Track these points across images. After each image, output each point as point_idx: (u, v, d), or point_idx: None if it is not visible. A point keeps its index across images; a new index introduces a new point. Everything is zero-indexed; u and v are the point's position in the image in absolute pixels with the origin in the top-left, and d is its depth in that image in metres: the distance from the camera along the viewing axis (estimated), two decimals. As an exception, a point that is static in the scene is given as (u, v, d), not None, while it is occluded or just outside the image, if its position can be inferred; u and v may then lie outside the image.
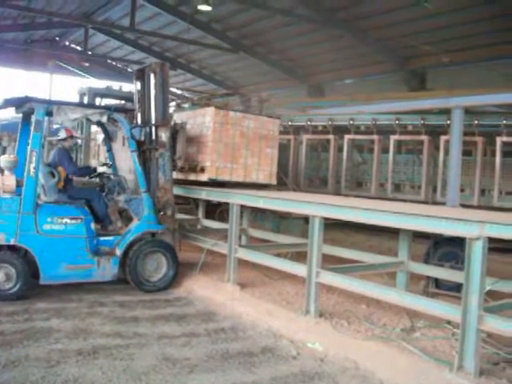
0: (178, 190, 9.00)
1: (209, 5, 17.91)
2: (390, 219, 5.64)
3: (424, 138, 10.73)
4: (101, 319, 6.21)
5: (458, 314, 4.83)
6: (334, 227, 9.63)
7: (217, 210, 11.11)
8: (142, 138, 7.80)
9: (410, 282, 7.25)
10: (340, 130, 12.40)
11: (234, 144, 8.79)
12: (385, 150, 11.45)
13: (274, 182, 9.31)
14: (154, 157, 7.88)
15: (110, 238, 7.61)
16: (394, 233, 7.82)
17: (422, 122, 10.66)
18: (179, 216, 9.86)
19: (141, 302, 7.02)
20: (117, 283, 7.63)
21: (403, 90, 17.22)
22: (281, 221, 10.03)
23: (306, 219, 8.92)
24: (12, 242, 6.80)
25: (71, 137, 8.18)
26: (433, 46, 16.42)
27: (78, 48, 28.11)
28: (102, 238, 7.55)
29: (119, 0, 20.88)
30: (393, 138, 11.17)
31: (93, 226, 7.44)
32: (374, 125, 11.46)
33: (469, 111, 9.25)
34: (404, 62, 18.77)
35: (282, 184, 11.69)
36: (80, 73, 22.40)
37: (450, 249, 7.32)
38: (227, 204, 8.00)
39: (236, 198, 7.64)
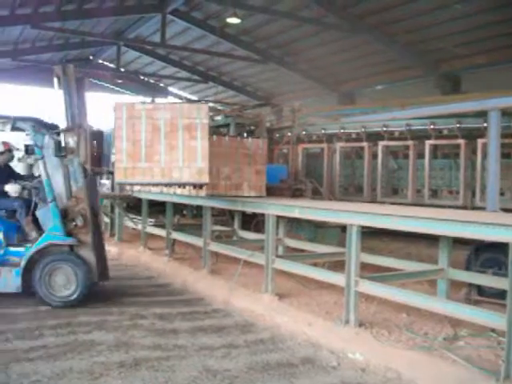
0: (212, 202, 9.06)
1: (238, 17, 18.05)
2: (428, 226, 5.55)
3: (460, 141, 10.54)
4: (142, 332, 6.26)
5: (502, 322, 4.72)
6: (371, 235, 9.53)
7: (252, 221, 11.11)
8: (44, 145, 7.45)
9: (451, 290, 7.10)
10: (374, 137, 12.29)
11: (145, 140, 7.67)
12: (420, 156, 11.29)
13: (205, 180, 7.84)
14: (64, 164, 7.49)
15: (22, 248, 7.47)
16: (432, 239, 7.70)
17: (458, 125, 10.48)
18: (215, 227, 9.89)
19: (180, 314, 7.05)
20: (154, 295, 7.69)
21: (436, 94, 17.00)
22: (317, 230, 9.95)
23: (342, 228, 8.87)
24: None
25: (9, 150, 8.11)
26: (465, 48, 16.19)
27: (111, 65, 28.60)
28: (12, 249, 7.51)
29: (149, 17, 21.21)
30: (428, 142, 11.00)
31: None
32: (408, 130, 11.32)
33: (506, 113, 9.06)
34: (435, 66, 18.54)
35: (316, 193, 11.64)
36: (115, 89, 22.74)
37: (491, 255, 7.15)
38: (263, 215, 7.99)
39: (271, 209, 7.62)
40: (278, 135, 14.48)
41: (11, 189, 7.78)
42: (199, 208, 11.15)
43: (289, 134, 13.14)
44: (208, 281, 8.70)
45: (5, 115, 7.80)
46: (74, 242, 7.43)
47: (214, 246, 9.06)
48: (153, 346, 5.79)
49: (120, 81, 28.09)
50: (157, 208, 11.90)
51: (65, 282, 7.34)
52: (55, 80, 7.75)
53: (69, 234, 7.46)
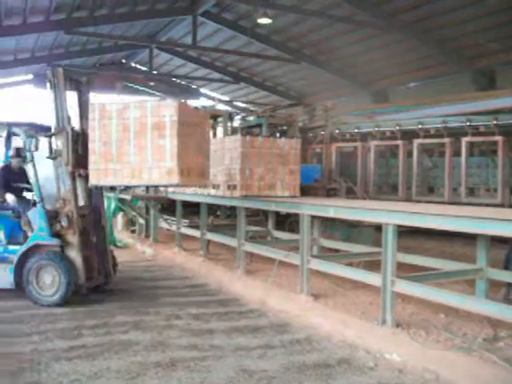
0: (246, 203, 9.07)
1: (268, 17, 18.05)
2: (465, 224, 5.46)
3: (498, 138, 10.36)
4: (177, 332, 6.30)
5: (544, 322, 4.61)
6: (405, 234, 9.43)
7: (286, 221, 11.09)
8: (35, 148, 7.63)
9: (489, 290, 6.96)
10: (409, 135, 12.15)
11: (116, 141, 7.38)
12: (456, 153, 11.12)
13: (175, 180, 7.29)
14: (54, 166, 7.69)
15: (18, 247, 7.72)
16: (467, 238, 7.57)
17: (495, 122, 10.29)
18: (249, 228, 9.90)
19: (215, 314, 7.08)
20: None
21: (471, 91, 16.72)
22: (351, 229, 9.90)
23: (377, 227, 8.79)
24: None
25: (18, 156, 8.27)
26: (500, 43, 15.87)
27: (144, 68, 28.89)
28: (11, 247, 7.80)
29: (181, 19, 21.37)
30: (464, 140, 10.83)
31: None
32: (444, 127, 11.15)
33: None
34: (470, 62, 18.21)
35: (350, 192, 11.57)
36: (147, 91, 22.90)
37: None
38: (297, 215, 7.97)
39: (306, 209, 7.60)
40: (311, 135, 14.43)
41: (8, 197, 8.13)
42: (233, 209, 11.19)
43: (322, 133, 13.07)
44: (243, 281, 8.72)
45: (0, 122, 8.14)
46: (58, 242, 7.60)
47: (249, 247, 9.08)
48: (189, 346, 5.82)
49: (152, 83, 28.37)
50: (191, 209, 11.97)
51: (50, 282, 7.51)
52: (47, 83, 7.74)
53: (56, 234, 7.64)
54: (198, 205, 10.91)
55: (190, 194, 11.01)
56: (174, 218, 12.16)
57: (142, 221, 13.71)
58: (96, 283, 8.06)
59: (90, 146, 7.46)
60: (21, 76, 27.99)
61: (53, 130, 7.63)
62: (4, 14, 17.66)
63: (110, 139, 7.36)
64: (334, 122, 13.10)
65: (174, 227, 12.12)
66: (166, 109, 7.24)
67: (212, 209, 11.57)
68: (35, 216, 7.75)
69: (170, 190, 11.79)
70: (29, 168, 7.89)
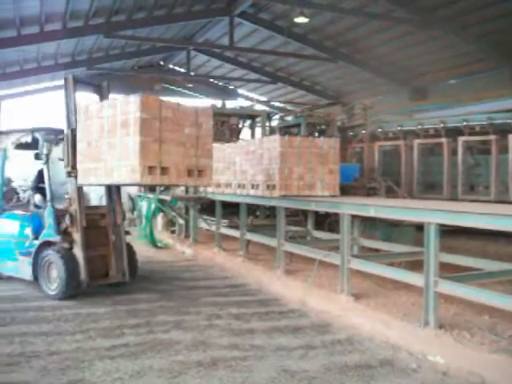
0: (285, 203, 9.05)
1: (305, 16, 17.99)
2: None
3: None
4: (218, 331, 6.33)
5: None
6: (446, 234, 9.24)
7: (325, 221, 11.03)
8: (47, 151, 8.23)
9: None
10: (453, 132, 11.91)
11: (96, 140, 7.52)
12: (503, 151, 10.85)
13: (136, 179, 7.14)
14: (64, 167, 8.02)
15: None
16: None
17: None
18: (288, 228, 9.87)
19: (256, 314, 7.08)
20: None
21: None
22: (391, 229, 9.77)
23: (417, 227, 8.66)
24: None
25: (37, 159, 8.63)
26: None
27: (182, 70, 29.14)
28: (35, 242, 8.33)
29: (218, 20, 21.48)
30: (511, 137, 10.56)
31: (27, 231, 8.45)
32: (489, 124, 10.89)
33: None
34: (510, 57, 17.81)
35: (390, 191, 11.43)
36: (187, 93, 23.20)
37: None
38: (336, 214, 7.91)
39: (346, 208, 7.53)
40: (351, 133, 14.30)
41: (36, 198, 8.85)
42: (272, 209, 11.18)
43: (363, 131, 12.95)
44: (283, 281, 8.70)
45: (24, 128, 8.77)
46: (59, 239, 8.01)
47: (289, 247, 9.06)
48: (230, 345, 5.84)
49: (191, 85, 28.64)
50: (230, 209, 12.00)
51: (55, 276, 7.99)
52: (64, 92, 8.18)
53: (65, 232, 8.07)
54: (237, 205, 10.93)
55: (230, 194, 11.06)
56: (213, 219, 12.22)
57: (181, 221, 13.82)
58: (112, 281, 8.41)
59: (78, 146, 7.73)
60: (61, 80, 28.66)
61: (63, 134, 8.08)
62: (44, 19, 18.05)
63: (91, 139, 7.57)
64: (373, 120, 12.98)
65: (213, 227, 12.18)
66: (131, 105, 7.18)
67: (251, 209, 11.57)
68: (47, 214, 8.28)
69: (210, 190, 11.87)
70: (44, 170, 8.43)
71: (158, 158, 7.21)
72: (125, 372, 5.04)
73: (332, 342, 6.00)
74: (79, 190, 8.06)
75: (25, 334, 6.14)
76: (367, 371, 5.14)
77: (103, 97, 8.56)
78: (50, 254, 8.04)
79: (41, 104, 30.42)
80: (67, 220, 8.01)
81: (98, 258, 8.42)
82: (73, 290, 7.92)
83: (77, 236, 7.99)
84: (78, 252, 7.95)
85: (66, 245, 7.99)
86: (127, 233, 9.08)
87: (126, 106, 7.23)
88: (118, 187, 8.51)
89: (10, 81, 25.90)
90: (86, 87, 9.07)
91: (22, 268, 8.45)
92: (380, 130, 13.38)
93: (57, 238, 8.05)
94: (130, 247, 8.81)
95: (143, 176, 7.07)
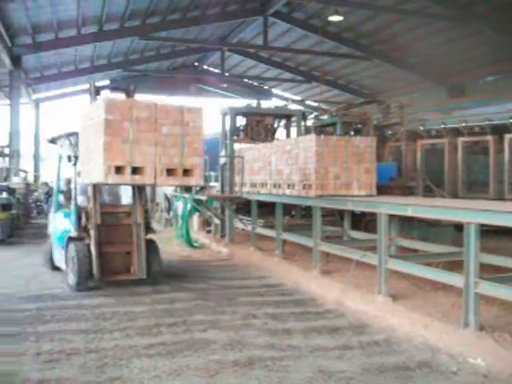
0: (321, 202, 9.00)
1: (339, 15, 17.89)
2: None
3: None
4: (255, 331, 6.32)
5: None
6: (487, 234, 9.07)
7: (361, 221, 10.93)
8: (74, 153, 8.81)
9: None
10: (499, 130, 11.59)
11: (89, 142, 7.94)
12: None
13: (101, 179, 7.43)
14: None
15: None
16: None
17: None
18: (324, 228, 9.80)
19: (292, 314, 7.05)
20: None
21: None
22: (429, 229, 9.63)
23: (456, 227, 8.51)
24: None
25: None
26: None
27: (216, 70, 29.30)
28: None
29: (251, 20, 21.54)
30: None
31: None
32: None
33: None
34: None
35: (428, 191, 11.26)
36: (220, 93, 23.31)
37: None
38: (372, 214, 7.83)
39: (383, 208, 7.44)
40: (390, 132, 14.11)
41: (60, 197, 9.81)
42: (308, 208, 11.13)
43: (402, 129, 12.75)
44: (319, 281, 8.66)
45: (61, 134, 9.34)
46: (74, 234, 8.61)
47: (325, 247, 9.00)
48: (266, 345, 5.82)
49: (225, 85, 28.78)
50: (266, 209, 12.00)
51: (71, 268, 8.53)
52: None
53: (84, 228, 8.62)
54: (272, 205, 10.92)
55: (265, 194, 11.06)
56: (249, 218, 12.23)
57: (217, 221, 13.88)
58: (128, 277, 8.67)
59: (80, 148, 8.32)
60: (98, 82, 29.13)
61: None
62: (81, 22, 18.37)
63: (86, 141, 8.01)
64: (409, 119, 12.80)
65: (249, 227, 12.20)
66: (100, 108, 7.49)
67: (287, 209, 11.54)
68: (71, 212, 8.87)
69: (245, 190, 11.90)
70: (73, 170, 8.95)
71: (127, 157, 7.45)
72: (162, 370, 5.08)
73: (369, 342, 5.93)
74: (94, 189, 8.45)
75: (64, 331, 6.24)
76: (405, 373, 5.07)
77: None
78: (70, 248, 8.52)
79: (79, 106, 30.88)
80: (83, 217, 8.53)
81: (120, 255, 8.75)
82: (85, 282, 8.34)
83: (91, 232, 8.46)
84: (92, 247, 8.36)
85: (83, 240, 8.49)
86: (151, 231, 9.29)
87: (98, 109, 7.63)
88: (140, 187, 8.74)
89: (48, 83, 26.46)
90: (118, 90, 9.57)
91: (62, 260, 8.99)
92: (422, 128, 13.08)
93: (75, 234, 8.59)
94: (152, 245, 8.96)
95: (108, 175, 7.36)
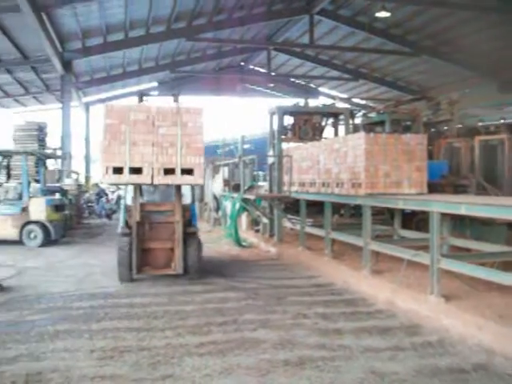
0: (371, 201, 8.89)
1: (386, 11, 17.65)
2: None
3: None
4: (305, 331, 6.29)
5: None
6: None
7: (412, 219, 10.75)
8: None
9: None
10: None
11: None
12: None
13: (101, 179, 8.51)
14: None
15: None
16: None
17: None
18: (374, 227, 9.67)
19: (342, 314, 7.00)
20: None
21: None
22: (483, 228, 9.37)
23: (510, 225, 8.28)
24: None
25: None
26: None
27: (262, 70, 29.35)
28: None
29: (297, 19, 21.47)
30: None
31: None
32: None
33: None
34: None
35: (480, 189, 10.98)
36: (267, 92, 23.35)
37: None
38: (423, 212, 7.68)
39: (435, 206, 7.28)
40: (446, 128, 13.79)
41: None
42: (357, 207, 11.02)
43: (456, 126, 12.43)
44: (369, 281, 8.56)
45: None
46: (122, 231, 9.20)
47: (375, 246, 8.88)
48: (317, 345, 5.79)
49: (272, 84, 28.80)
50: (314, 208, 11.94)
51: None
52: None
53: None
54: (321, 204, 10.86)
55: (314, 193, 11.00)
56: (297, 218, 12.20)
57: (265, 220, 13.89)
58: (172, 272, 9.07)
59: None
60: (146, 84, 29.58)
61: None
62: (129, 26, 18.68)
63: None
64: (461, 115, 12.51)
65: (297, 226, 12.16)
66: (103, 112, 8.23)
67: (335, 208, 11.44)
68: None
69: (294, 189, 11.87)
70: None
71: (124, 158, 8.01)
72: (213, 369, 5.11)
73: (422, 344, 5.83)
74: (136, 188, 8.84)
75: (117, 329, 6.36)
76: (460, 375, 4.97)
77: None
78: (117, 243, 9.26)
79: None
80: (126, 215, 9.21)
81: (163, 251, 9.18)
82: (124, 275, 8.96)
83: (132, 228, 8.94)
84: (133, 243, 8.87)
85: (129, 236, 8.97)
86: (192, 229, 9.46)
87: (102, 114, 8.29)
88: (177, 186, 8.98)
89: (97, 86, 27.01)
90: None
91: None
92: (481, 124, 12.69)
93: (122, 230, 9.21)
94: (192, 242, 9.19)
95: (106, 176, 8.08)
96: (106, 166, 8.02)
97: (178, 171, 8.13)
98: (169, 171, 8.13)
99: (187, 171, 8.16)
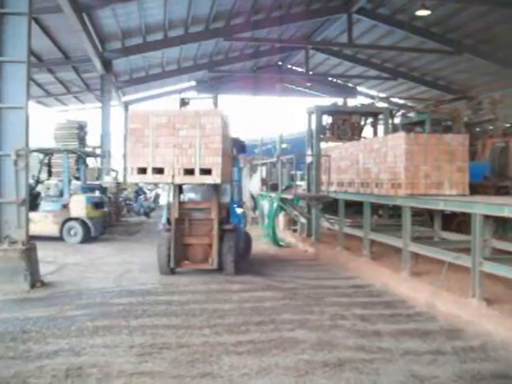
0: (411, 202, 8.78)
1: (427, 9, 17.38)
2: None
3: None
4: (343, 332, 6.23)
5: None
6: None
7: (452, 221, 10.57)
8: None
9: None
10: None
11: None
12: None
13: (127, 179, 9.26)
14: None
15: None
16: None
17: None
18: (414, 228, 9.54)
19: (381, 316, 6.91)
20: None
21: None
22: (526, 231, 9.17)
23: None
24: None
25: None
26: None
27: (300, 69, 29.26)
28: None
29: (335, 18, 21.33)
30: None
31: None
32: None
33: None
34: None
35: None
36: (305, 92, 23.30)
37: None
38: (464, 214, 7.52)
39: (478, 208, 7.13)
40: (492, 127, 13.50)
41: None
42: (396, 208, 10.89)
43: (509, 125, 12.14)
44: (409, 283, 8.44)
45: None
46: (163, 227, 9.89)
47: (415, 248, 8.75)
48: (356, 347, 5.73)
49: (309, 84, 28.70)
50: (352, 208, 11.85)
51: None
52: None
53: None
54: (359, 204, 10.76)
55: (352, 193, 10.92)
56: (335, 218, 12.12)
57: (303, 220, 13.85)
58: (207, 267, 9.48)
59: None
60: (184, 83, 29.82)
61: None
62: (168, 26, 18.84)
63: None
64: (503, 115, 12.23)
65: (335, 227, 12.08)
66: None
67: (374, 208, 11.33)
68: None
69: (332, 189, 11.80)
70: None
71: (148, 160, 8.51)
72: (251, 368, 5.10)
73: (463, 348, 5.71)
74: (175, 187, 9.43)
75: (156, 326, 6.41)
76: (504, 381, 4.88)
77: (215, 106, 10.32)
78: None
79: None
80: (167, 212, 9.73)
81: (201, 246, 9.59)
82: (163, 268, 9.50)
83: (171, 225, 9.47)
84: (172, 238, 9.36)
85: (165, 231, 9.67)
86: (227, 227, 9.75)
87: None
88: (214, 186, 9.34)
89: (136, 86, 27.32)
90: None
91: None
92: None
93: (163, 226, 9.87)
94: (228, 239, 9.57)
95: (131, 176, 8.68)
96: (131, 167, 8.61)
97: (197, 171, 8.48)
98: (188, 171, 8.52)
99: (206, 171, 8.48)
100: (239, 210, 10.68)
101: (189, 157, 8.49)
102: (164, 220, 9.85)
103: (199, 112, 8.64)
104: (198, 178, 8.56)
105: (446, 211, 9.83)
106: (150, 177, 8.59)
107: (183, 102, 10.15)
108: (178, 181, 8.67)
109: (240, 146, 11.00)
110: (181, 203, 9.64)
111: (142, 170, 8.54)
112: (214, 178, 8.51)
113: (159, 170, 8.54)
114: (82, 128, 20.51)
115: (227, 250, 9.46)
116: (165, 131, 8.53)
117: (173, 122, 8.54)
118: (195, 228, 9.62)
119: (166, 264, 9.43)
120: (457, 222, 10.47)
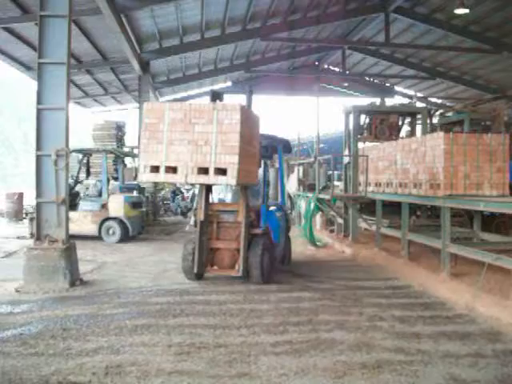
0: (451, 202, 8.67)
1: (465, 7, 17.09)
2: None
3: None
4: (382, 334, 6.20)
5: None
6: None
7: (492, 222, 10.39)
8: None
9: None
10: None
11: None
12: None
13: (139, 178, 8.45)
14: None
15: None
16: None
17: None
18: (453, 229, 9.43)
19: (420, 317, 6.85)
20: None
21: None
22: None
23: None
24: None
25: None
26: None
27: (337, 69, 29.10)
28: None
29: (372, 17, 21.14)
30: None
31: None
32: None
33: None
34: None
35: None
36: (343, 92, 23.19)
37: None
38: (504, 215, 7.40)
39: (519, 208, 7.03)
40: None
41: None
42: (434, 208, 10.76)
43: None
44: (448, 284, 8.34)
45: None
46: (186, 228, 9.80)
47: (454, 248, 8.64)
48: (394, 349, 5.69)
49: (346, 84, 28.51)
50: (390, 209, 11.75)
51: None
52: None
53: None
54: (396, 204, 10.67)
55: (390, 193, 10.83)
56: (372, 218, 12.04)
57: (340, 220, 13.79)
58: (234, 274, 8.76)
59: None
60: (221, 84, 29.97)
61: None
62: (205, 26, 18.96)
63: None
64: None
65: (373, 227, 12.00)
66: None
67: (412, 208, 11.23)
68: None
69: (369, 189, 11.73)
70: None
71: (161, 157, 7.94)
72: (289, 369, 5.10)
73: (504, 351, 5.62)
74: (201, 187, 8.89)
75: (193, 325, 6.46)
76: (546, 386, 4.76)
77: (249, 102, 9.36)
78: None
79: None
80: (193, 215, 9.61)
81: (229, 251, 8.96)
82: (187, 273, 9.01)
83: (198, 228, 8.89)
84: (196, 241, 8.84)
85: (193, 234, 9.18)
86: (254, 231, 9.06)
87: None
88: (244, 187, 8.84)
89: (173, 86, 27.54)
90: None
91: None
92: None
93: (188, 228, 9.68)
94: (256, 244, 8.85)
95: (143, 174, 8.06)
96: (144, 165, 8.03)
97: (212, 171, 7.86)
98: (203, 170, 7.93)
99: (221, 171, 7.86)
100: (278, 214, 10.14)
101: (203, 155, 7.84)
102: (192, 221, 9.70)
103: (217, 106, 8.01)
104: (213, 178, 7.90)
105: (486, 212, 9.67)
106: (162, 176, 7.99)
107: (215, 95, 9.16)
108: (190, 180, 8.06)
109: (284, 146, 10.56)
110: (209, 204, 9.08)
111: (155, 168, 7.98)
112: (229, 179, 7.85)
113: (172, 169, 7.97)
114: (119, 128, 20.78)
115: (253, 257, 8.74)
116: (180, 127, 7.92)
117: (189, 116, 7.92)
118: (224, 231, 9.06)
119: (190, 269, 8.91)
120: (496, 223, 10.29)
